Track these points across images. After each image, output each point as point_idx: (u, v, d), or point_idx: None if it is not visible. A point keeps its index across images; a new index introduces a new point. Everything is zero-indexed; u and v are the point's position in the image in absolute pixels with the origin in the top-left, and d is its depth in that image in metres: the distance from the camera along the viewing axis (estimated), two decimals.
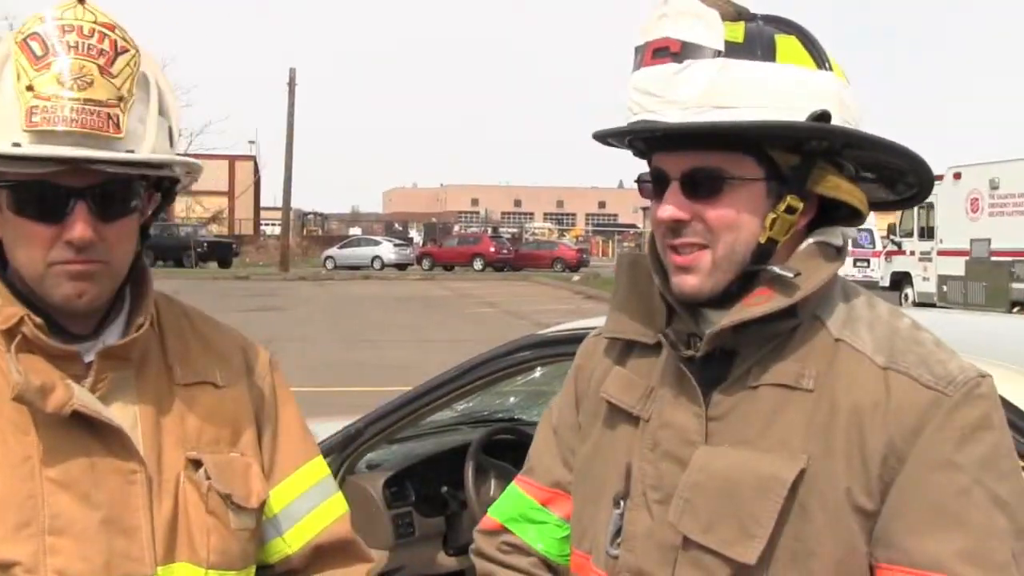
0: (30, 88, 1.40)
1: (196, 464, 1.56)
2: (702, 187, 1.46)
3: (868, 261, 29.18)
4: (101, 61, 1.43)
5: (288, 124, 47.01)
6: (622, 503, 1.55)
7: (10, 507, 1.43)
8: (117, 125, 1.43)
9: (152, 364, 1.59)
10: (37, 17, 1.46)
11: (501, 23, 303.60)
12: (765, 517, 1.41)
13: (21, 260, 1.48)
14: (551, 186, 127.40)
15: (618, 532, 1.55)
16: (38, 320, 1.48)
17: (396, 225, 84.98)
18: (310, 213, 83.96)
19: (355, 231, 74.68)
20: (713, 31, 1.44)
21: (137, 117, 1.47)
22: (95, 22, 1.44)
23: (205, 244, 47.10)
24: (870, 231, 29.07)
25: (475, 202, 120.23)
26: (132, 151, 1.45)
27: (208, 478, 1.55)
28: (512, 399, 4.51)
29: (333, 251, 51.16)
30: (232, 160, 64.10)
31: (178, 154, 1.57)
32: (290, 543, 1.67)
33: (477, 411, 4.32)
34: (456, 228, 75.13)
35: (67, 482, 1.46)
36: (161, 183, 1.58)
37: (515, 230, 78.03)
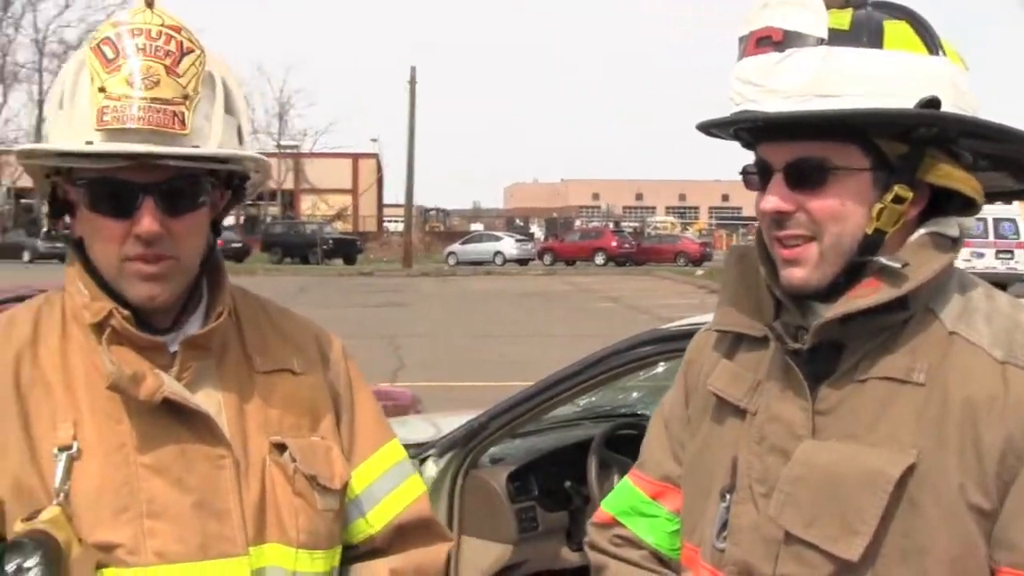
0: (102, 90, 1.47)
1: (280, 448, 1.60)
2: (806, 178, 1.44)
3: (1012, 252, 28.02)
4: (167, 62, 1.49)
5: (409, 121, 47.65)
6: (728, 496, 1.55)
7: (109, 493, 1.49)
8: (183, 122, 1.48)
9: (232, 353, 1.64)
10: (110, 23, 1.53)
11: (621, 16, 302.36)
12: (870, 513, 1.38)
13: (98, 256, 1.55)
14: (673, 179, 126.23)
15: (724, 525, 1.54)
16: (126, 313, 1.54)
17: (517, 220, 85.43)
18: (432, 209, 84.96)
19: (477, 227, 75.32)
20: (816, 19, 1.42)
21: (203, 114, 1.52)
22: (162, 25, 1.51)
23: (330, 241, 48.08)
24: (1013, 220, 27.93)
25: (596, 196, 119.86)
26: (197, 147, 1.51)
27: (293, 460, 1.60)
28: (635, 394, 4.49)
29: (455, 247, 51.68)
30: (355, 158, 65.26)
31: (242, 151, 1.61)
32: (372, 523, 1.72)
33: (599, 406, 4.32)
34: (577, 223, 75.11)
35: (160, 468, 1.51)
36: (231, 180, 1.63)
37: (637, 224, 77.63)
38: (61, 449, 1.49)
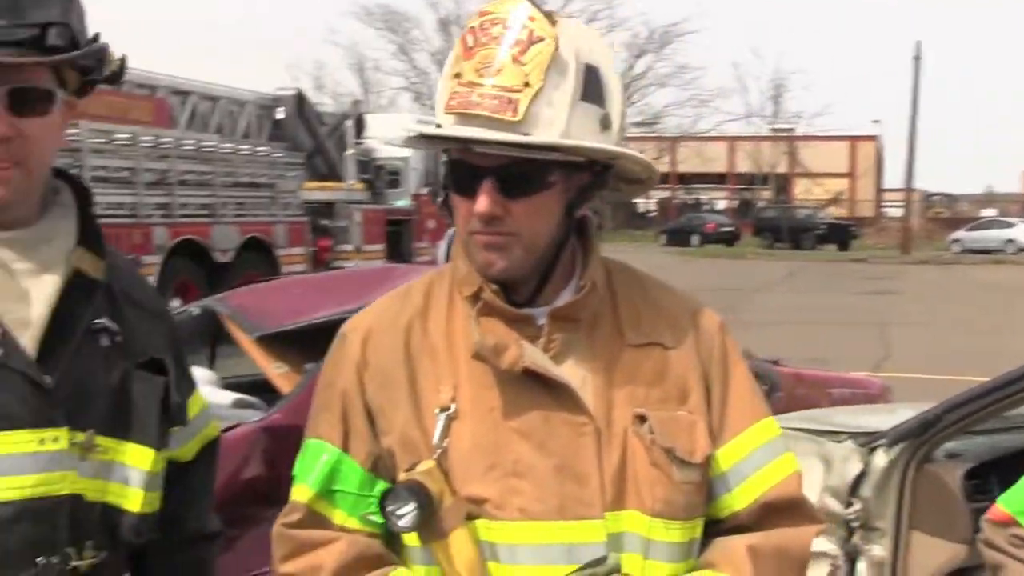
0: (457, 75, 1.57)
1: (642, 419, 1.63)
2: None
3: None
4: (515, 50, 1.54)
5: (912, 100, 45.29)
6: None
7: (480, 452, 1.60)
8: (515, 109, 1.53)
9: (603, 326, 1.68)
10: (477, 11, 1.61)
11: None
12: None
13: (458, 230, 1.65)
14: None
15: None
16: (494, 287, 1.63)
17: None
18: (936, 194, 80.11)
19: (988, 212, 69.87)
20: None
21: (545, 102, 1.55)
22: (519, 14, 1.56)
23: (824, 226, 47.04)
24: None
25: None
26: (527, 134, 1.54)
27: (651, 433, 1.62)
28: None
29: (959, 233, 48.38)
30: (853, 140, 63.20)
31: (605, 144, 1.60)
32: (738, 500, 1.70)
33: None
34: None
35: (525, 432, 1.60)
36: (594, 165, 1.64)
37: None
38: (442, 410, 1.61)
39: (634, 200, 59.15)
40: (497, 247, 1.60)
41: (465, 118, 1.55)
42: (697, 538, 1.68)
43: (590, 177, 1.66)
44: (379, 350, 1.68)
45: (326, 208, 17.53)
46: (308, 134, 17.74)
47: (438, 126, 1.60)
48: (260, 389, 4.84)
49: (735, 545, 1.67)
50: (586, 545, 1.58)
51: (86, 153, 12.55)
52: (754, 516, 1.70)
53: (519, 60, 1.54)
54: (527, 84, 1.53)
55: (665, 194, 64.17)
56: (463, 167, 1.59)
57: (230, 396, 4.64)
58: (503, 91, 1.53)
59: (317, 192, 17.40)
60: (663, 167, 57.77)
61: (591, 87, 1.60)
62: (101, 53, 1.70)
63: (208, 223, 14.63)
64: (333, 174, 18.02)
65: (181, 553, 1.88)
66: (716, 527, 1.71)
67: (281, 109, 17.45)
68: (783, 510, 1.71)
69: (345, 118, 18.70)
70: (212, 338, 5.46)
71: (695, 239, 48.16)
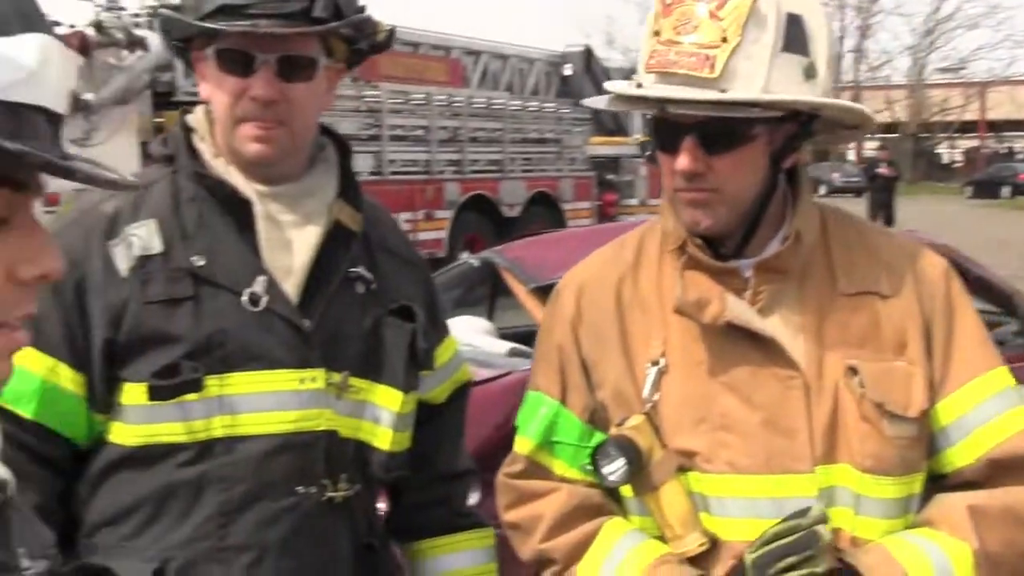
0: (656, 33, 1.56)
1: (854, 371, 1.58)
2: None
3: None
4: (712, 6, 1.51)
5: None
6: None
7: (689, 405, 1.60)
8: (712, 66, 1.50)
9: (815, 276, 1.64)
10: None
11: None
12: None
13: (664, 186, 1.65)
14: None
15: None
16: (698, 241, 1.62)
17: None
18: None
19: None
20: None
21: (743, 56, 1.52)
22: None
23: None
24: None
25: None
26: (724, 90, 1.51)
27: (862, 387, 1.56)
28: None
29: None
30: None
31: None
32: (961, 455, 1.61)
33: None
34: None
35: (732, 385, 1.59)
36: (798, 116, 1.60)
37: None
38: (652, 363, 1.63)
39: (937, 150, 55.83)
40: (702, 204, 1.60)
41: (664, 76, 1.56)
42: (916, 494, 1.63)
43: (796, 127, 1.62)
44: (592, 305, 1.71)
45: (611, 163, 17.61)
46: (595, 90, 17.84)
47: (639, 85, 1.61)
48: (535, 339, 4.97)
49: (955, 503, 1.60)
50: (795, 499, 1.56)
51: (385, 113, 13.19)
52: (981, 473, 1.62)
53: (716, 15, 1.53)
54: (724, 39, 1.52)
55: (973, 143, 60.14)
56: (664, 125, 1.60)
57: (506, 345, 4.79)
58: (700, 48, 1.52)
59: (603, 147, 17.51)
60: (971, 114, 54.21)
61: (794, 37, 1.56)
62: (364, 23, 1.81)
63: (497, 178, 15.05)
64: (619, 129, 18.07)
65: (432, 490, 2.00)
66: (940, 483, 1.65)
67: (569, 66, 17.63)
68: (1014, 468, 1.61)
69: (632, 73, 18.67)
70: (491, 289, 5.65)
71: (1005, 190, 44.87)
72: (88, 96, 9.02)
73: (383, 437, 1.82)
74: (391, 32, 1.88)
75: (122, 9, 10.41)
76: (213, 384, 1.69)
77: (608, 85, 1.70)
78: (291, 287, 1.76)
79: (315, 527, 1.75)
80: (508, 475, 1.77)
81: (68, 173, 0.85)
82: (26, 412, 1.68)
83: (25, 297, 0.89)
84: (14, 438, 1.63)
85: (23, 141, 0.81)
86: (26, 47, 0.83)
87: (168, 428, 1.69)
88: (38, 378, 1.68)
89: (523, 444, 1.75)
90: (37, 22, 0.86)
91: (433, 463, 1.99)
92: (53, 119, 0.86)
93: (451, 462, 2.04)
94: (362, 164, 12.55)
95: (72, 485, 1.75)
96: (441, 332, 2.02)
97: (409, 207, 12.93)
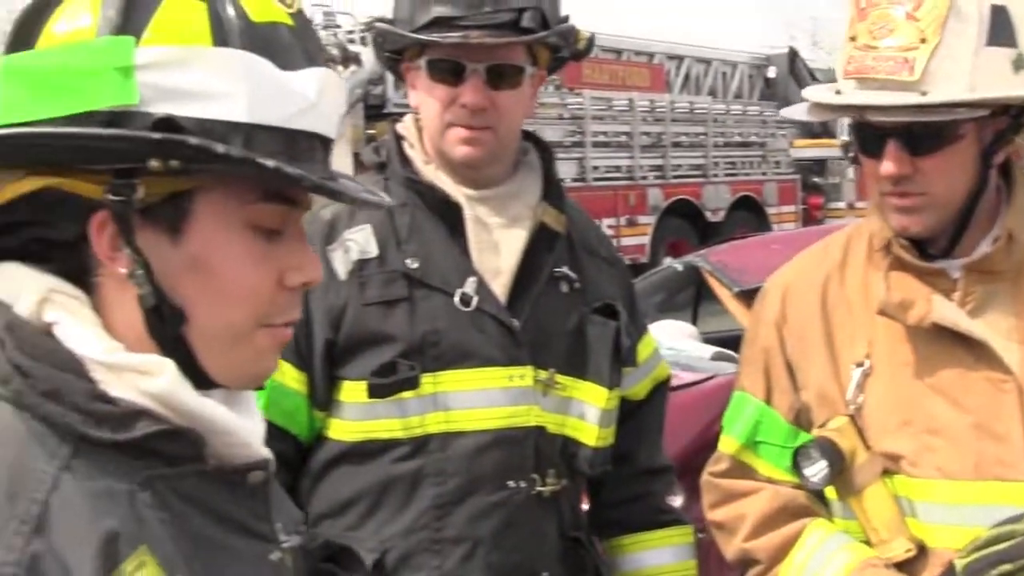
0: (852, 39, 1.52)
1: None
2: None
3: None
4: (909, 7, 1.47)
5: None
6: None
7: (895, 407, 1.57)
8: (912, 68, 1.45)
9: None
10: None
11: None
12: None
13: (869, 190, 1.62)
14: None
15: None
16: (903, 241, 1.58)
17: None
18: None
19: None
20: None
21: (945, 55, 1.47)
22: None
23: None
24: None
25: None
26: (926, 92, 1.46)
27: None
28: None
29: None
30: None
31: None
32: None
33: None
34: None
35: (940, 388, 1.55)
36: (1009, 109, 1.54)
37: None
38: (857, 365, 1.61)
39: None
40: (910, 209, 1.57)
41: (863, 82, 1.54)
42: None
43: (1007, 121, 1.57)
44: (797, 306, 1.70)
45: (817, 165, 17.15)
46: (800, 92, 17.41)
47: (838, 92, 1.59)
48: (740, 344, 4.93)
49: None
50: (1007, 507, 1.51)
51: (587, 120, 13.27)
52: None
53: (913, 16, 1.49)
54: (923, 40, 1.48)
55: None
56: (867, 129, 1.58)
57: (710, 349, 4.76)
58: (898, 51, 1.49)
59: (808, 149, 17.08)
60: None
61: (999, 29, 1.51)
62: (568, 32, 1.86)
63: (700, 183, 14.90)
64: (825, 130, 17.58)
65: (633, 486, 2.03)
66: None
67: (773, 68, 17.30)
68: None
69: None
70: (695, 294, 5.62)
71: None
72: None
73: (589, 433, 1.86)
74: (591, 39, 1.93)
75: (338, 27, 10.90)
76: (428, 382, 1.77)
77: (807, 92, 1.69)
78: (499, 287, 1.83)
79: (525, 521, 1.81)
80: (713, 474, 1.78)
81: (335, 195, 0.98)
82: None
83: (292, 302, 1.01)
84: None
85: (300, 165, 0.94)
86: (308, 81, 0.96)
87: (385, 424, 1.79)
88: None
89: (728, 444, 1.76)
90: (316, 56, 0.99)
91: (634, 459, 2.02)
92: (325, 144, 0.99)
93: (651, 458, 2.07)
94: (565, 171, 12.67)
95: (297, 479, 1.86)
96: (641, 329, 2.05)
97: (612, 213, 12.95)
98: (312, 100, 0.95)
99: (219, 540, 0.97)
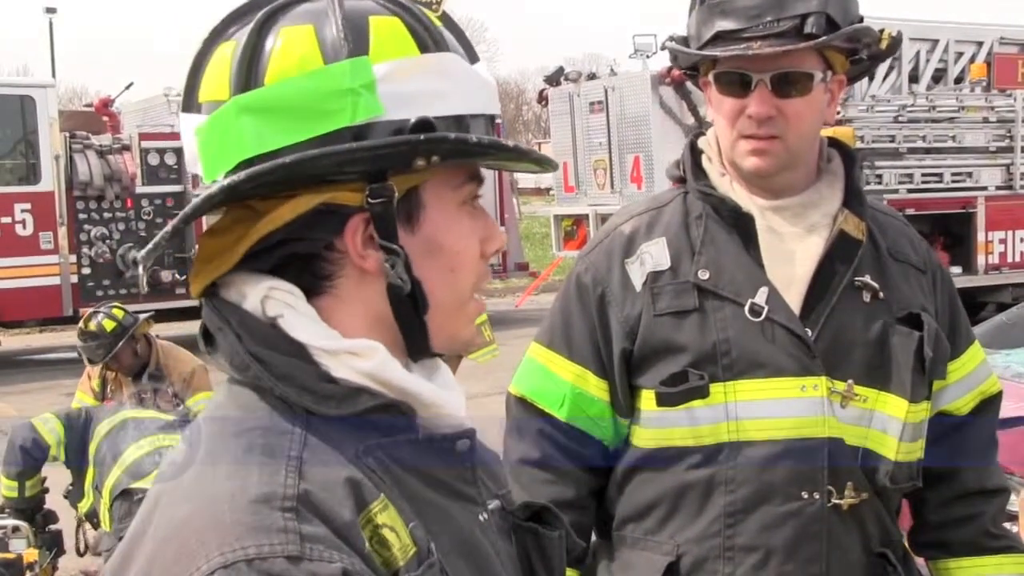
0: None
1: None
2: None
3: None
4: None
5: None
6: None
7: None
8: None
9: None
10: None
11: None
12: None
13: None
14: None
15: None
16: None
17: None
18: None
19: None
20: None
21: None
22: None
23: None
24: None
25: None
26: None
27: None
28: None
29: None
30: None
31: None
32: None
33: None
34: None
35: None
36: None
37: None
38: None
39: None
40: None
41: None
42: None
43: None
44: None
45: None
46: None
47: None
48: None
49: None
50: None
51: (1019, 124, 12.26)
52: None
53: None
54: None
55: None
56: None
57: None
58: None
59: None
60: None
61: None
62: (860, 33, 1.80)
63: None
64: None
65: (957, 507, 1.92)
66: None
67: None
68: None
69: None
70: None
71: None
72: None
73: (890, 446, 1.79)
74: (895, 39, 1.85)
75: None
76: (718, 391, 1.79)
77: None
78: (793, 297, 1.80)
79: (821, 533, 1.77)
80: None
81: (544, 162, 1.12)
82: (560, 414, 1.90)
83: (488, 270, 1.14)
84: (550, 437, 1.88)
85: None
86: (483, 69, 1.11)
87: (678, 432, 1.82)
88: (568, 383, 1.90)
89: None
90: (473, 52, 1.12)
91: (957, 478, 1.90)
92: (493, 123, 1.11)
93: (979, 478, 1.94)
94: (986, 179, 11.78)
95: (605, 483, 1.94)
96: (963, 341, 1.92)
97: None
98: (494, 85, 1.10)
99: (435, 502, 1.06)
